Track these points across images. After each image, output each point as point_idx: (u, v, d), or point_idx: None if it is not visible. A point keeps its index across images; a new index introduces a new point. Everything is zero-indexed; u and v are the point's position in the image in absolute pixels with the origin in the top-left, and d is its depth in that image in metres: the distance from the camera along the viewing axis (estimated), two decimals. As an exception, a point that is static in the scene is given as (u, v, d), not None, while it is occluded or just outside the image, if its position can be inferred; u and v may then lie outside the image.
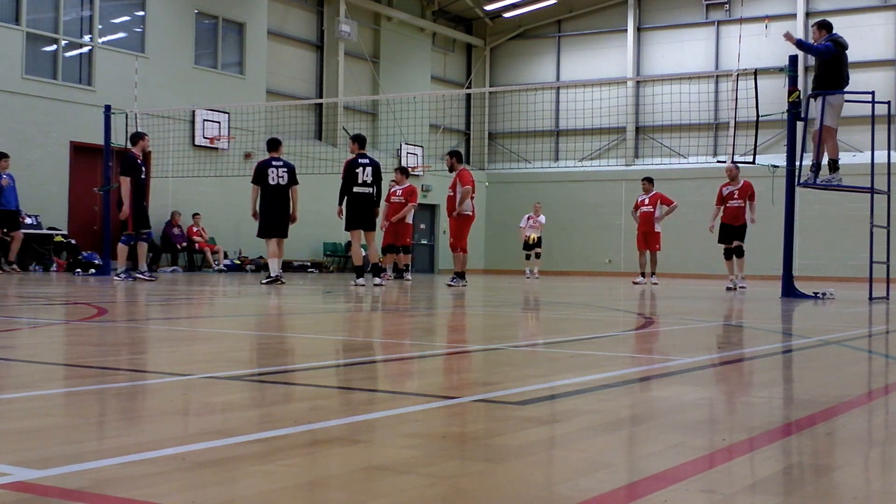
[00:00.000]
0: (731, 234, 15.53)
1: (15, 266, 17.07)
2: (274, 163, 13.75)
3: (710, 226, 16.09)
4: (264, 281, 13.57)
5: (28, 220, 18.28)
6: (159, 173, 20.62)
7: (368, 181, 13.61)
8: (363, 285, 13.14)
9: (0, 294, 9.55)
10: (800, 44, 11.66)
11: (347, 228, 13.73)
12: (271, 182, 13.61)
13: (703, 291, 14.77)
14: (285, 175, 13.66)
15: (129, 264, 14.45)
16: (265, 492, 1.77)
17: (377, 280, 13.59)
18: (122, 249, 14.11)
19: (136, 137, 14.19)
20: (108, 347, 4.52)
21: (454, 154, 15.14)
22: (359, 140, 13.83)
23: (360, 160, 13.59)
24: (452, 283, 14.40)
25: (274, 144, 13.99)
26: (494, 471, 1.99)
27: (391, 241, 17.05)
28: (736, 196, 15.39)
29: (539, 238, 22.35)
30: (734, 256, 15.57)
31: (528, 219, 22.34)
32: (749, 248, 17.47)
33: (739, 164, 14.85)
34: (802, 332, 6.63)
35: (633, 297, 12.22)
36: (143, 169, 14.05)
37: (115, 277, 13.96)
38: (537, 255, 22.24)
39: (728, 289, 15.08)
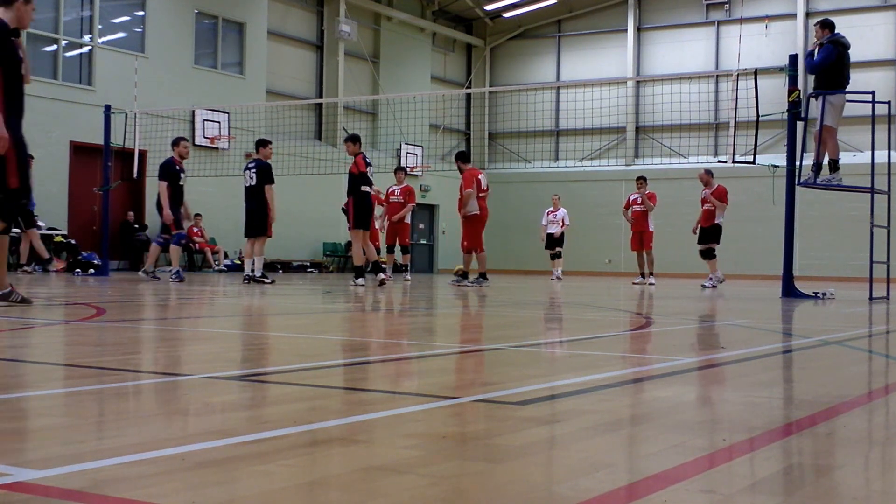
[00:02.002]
0: (703, 235, 16.77)
1: (27, 268, 16.84)
2: (249, 165, 14.20)
3: (693, 228, 17.16)
4: (243, 282, 13.87)
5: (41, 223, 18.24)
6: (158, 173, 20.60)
7: (372, 181, 13.60)
8: (363, 285, 13.14)
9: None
10: (808, 69, 11.72)
11: (356, 227, 13.63)
12: (244, 184, 14.10)
13: (702, 291, 14.76)
14: (254, 176, 13.86)
15: (150, 266, 14.41)
16: (265, 492, 1.76)
17: (381, 276, 13.55)
18: (174, 250, 14.04)
19: (174, 143, 14.25)
20: (108, 347, 4.52)
21: (459, 156, 14.96)
22: (359, 140, 13.77)
23: (366, 159, 13.52)
24: (472, 284, 14.28)
25: (256, 145, 14.30)
26: (494, 471, 1.99)
27: (390, 241, 17.04)
28: (708, 200, 16.67)
29: (560, 236, 20.51)
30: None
31: (548, 214, 20.78)
32: (749, 248, 17.60)
33: (712, 170, 16.88)
34: (802, 332, 6.63)
35: (633, 297, 12.22)
36: (182, 174, 14.13)
37: (170, 278, 13.75)
38: (558, 255, 20.51)
39: (703, 286, 15.64)
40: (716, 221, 16.55)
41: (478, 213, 14.59)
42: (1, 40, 6.64)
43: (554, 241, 20.57)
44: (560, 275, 20.55)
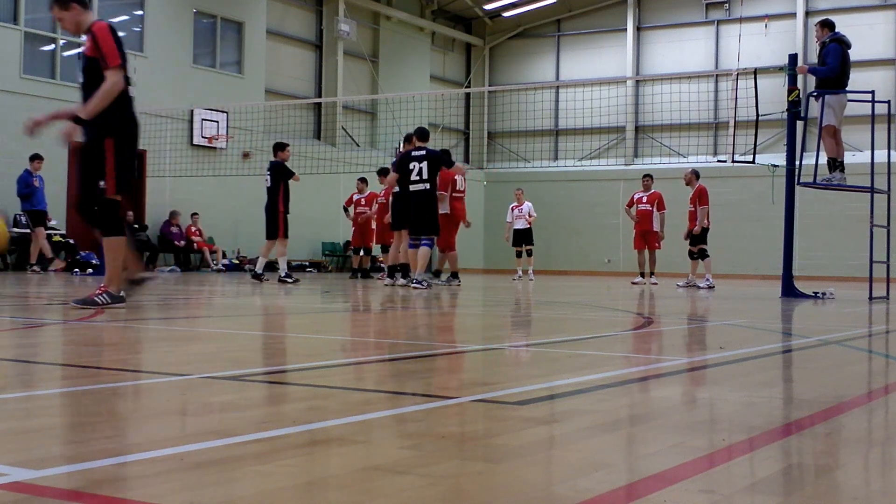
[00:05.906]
0: (692, 237, 16.45)
1: (36, 267, 16.85)
2: (268, 167, 14.69)
3: (685, 234, 16.73)
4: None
5: (53, 222, 18.30)
6: (157, 172, 20.60)
7: (425, 177, 13.17)
8: (398, 284, 13.34)
9: (0, 294, 9.54)
10: (811, 72, 11.74)
11: (391, 228, 13.82)
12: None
13: (702, 291, 14.75)
14: (269, 177, 14.32)
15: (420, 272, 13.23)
16: (264, 492, 1.76)
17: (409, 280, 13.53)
18: (424, 253, 12.99)
19: (421, 136, 13.25)
20: (107, 347, 4.51)
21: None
22: (414, 135, 13.55)
23: (400, 154, 13.40)
24: (443, 283, 14.31)
25: (274, 149, 14.46)
26: (494, 471, 1.98)
27: (381, 241, 17.21)
28: (689, 202, 16.48)
29: (528, 231, 20.00)
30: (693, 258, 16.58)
31: (512, 209, 20.12)
32: (749, 248, 17.48)
33: (699, 170, 16.74)
34: (802, 332, 6.63)
35: (632, 296, 12.22)
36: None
37: (415, 286, 12.37)
38: (528, 253, 19.94)
39: (698, 286, 15.59)
40: (697, 223, 16.29)
41: (447, 212, 14.43)
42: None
43: (522, 237, 20.03)
44: (532, 275, 19.97)
